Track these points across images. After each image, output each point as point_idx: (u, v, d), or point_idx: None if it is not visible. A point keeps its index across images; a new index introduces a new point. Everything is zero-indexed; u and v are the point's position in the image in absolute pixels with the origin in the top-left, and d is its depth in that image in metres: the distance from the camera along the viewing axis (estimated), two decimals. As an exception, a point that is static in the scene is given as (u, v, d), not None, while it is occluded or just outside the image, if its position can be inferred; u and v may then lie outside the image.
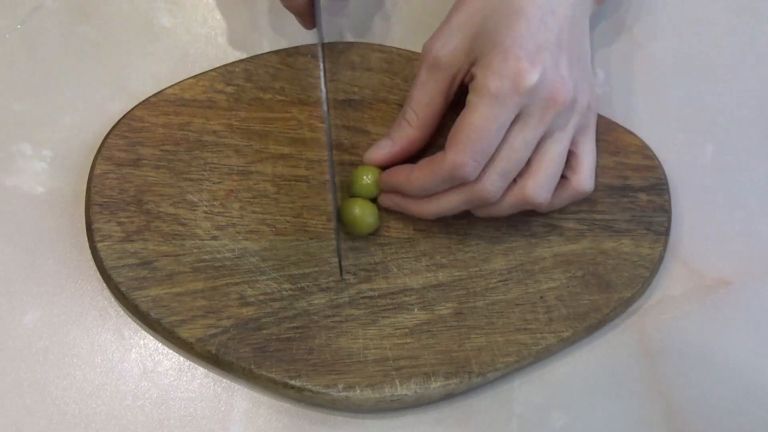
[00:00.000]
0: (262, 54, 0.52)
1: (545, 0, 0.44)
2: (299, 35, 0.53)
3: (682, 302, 0.50)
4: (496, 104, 0.42)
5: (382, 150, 0.48)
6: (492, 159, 0.44)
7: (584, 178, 0.47)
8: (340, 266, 0.47)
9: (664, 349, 0.48)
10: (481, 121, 0.42)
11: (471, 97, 0.43)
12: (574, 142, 0.46)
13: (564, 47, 0.44)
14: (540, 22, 0.43)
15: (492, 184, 0.44)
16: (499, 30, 0.44)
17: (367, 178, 0.48)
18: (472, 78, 0.44)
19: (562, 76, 0.44)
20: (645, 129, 0.53)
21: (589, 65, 0.48)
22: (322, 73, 0.50)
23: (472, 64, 0.45)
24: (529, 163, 0.45)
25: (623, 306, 0.48)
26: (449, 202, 0.46)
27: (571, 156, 0.47)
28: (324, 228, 0.48)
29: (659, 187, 0.51)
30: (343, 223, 0.48)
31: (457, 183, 0.45)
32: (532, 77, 0.42)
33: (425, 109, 0.47)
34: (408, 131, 0.47)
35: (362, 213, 0.47)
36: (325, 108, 0.50)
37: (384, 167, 0.48)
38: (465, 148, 0.43)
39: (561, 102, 0.43)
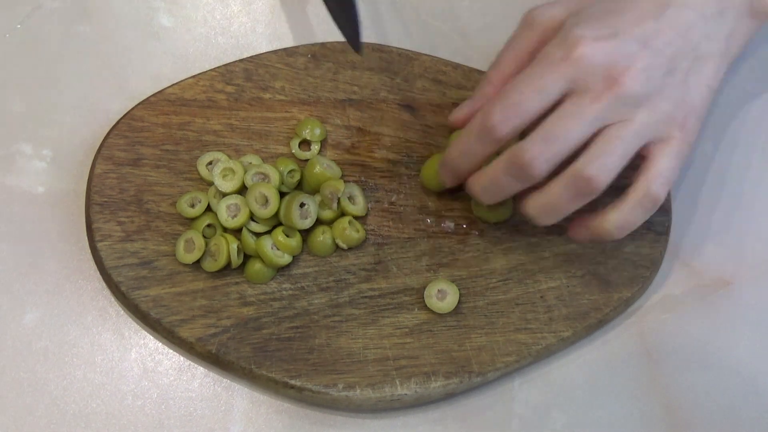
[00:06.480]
0: (261, 54, 0.52)
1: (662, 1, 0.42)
2: (299, 35, 0.53)
3: (682, 302, 0.50)
4: (540, 65, 0.41)
5: (463, 109, 0.47)
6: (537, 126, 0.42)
7: (653, 178, 0.42)
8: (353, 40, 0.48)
9: (664, 349, 0.48)
10: (521, 77, 0.41)
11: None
12: (647, 148, 0.43)
13: (655, 48, 0.41)
14: (635, 17, 0.41)
15: (533, 144, 0.41)
16: (593, 9, 0.42)
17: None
18: None
19: (635, 67, 0.41)
20: (645, 129, 0.52)
21: (696, 86, 0.43)
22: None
23: None
24: (586, 146, 0.42)
25: (623, 306, 0.48)
26: (493, 171, 0.43)
27: (640, 160, 0.43)
28: (324, 228, 0.48)
29: (659, 186, 0.51)
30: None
31: (491, 140, 0.42)
32: (586, 50, 0.40)
33: (509, 66, 0.45)
34: (487, 89, 0.46)
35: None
36: None
37: None
38: (496, 100, 0.42)
39: (622, 84, 0.40)
